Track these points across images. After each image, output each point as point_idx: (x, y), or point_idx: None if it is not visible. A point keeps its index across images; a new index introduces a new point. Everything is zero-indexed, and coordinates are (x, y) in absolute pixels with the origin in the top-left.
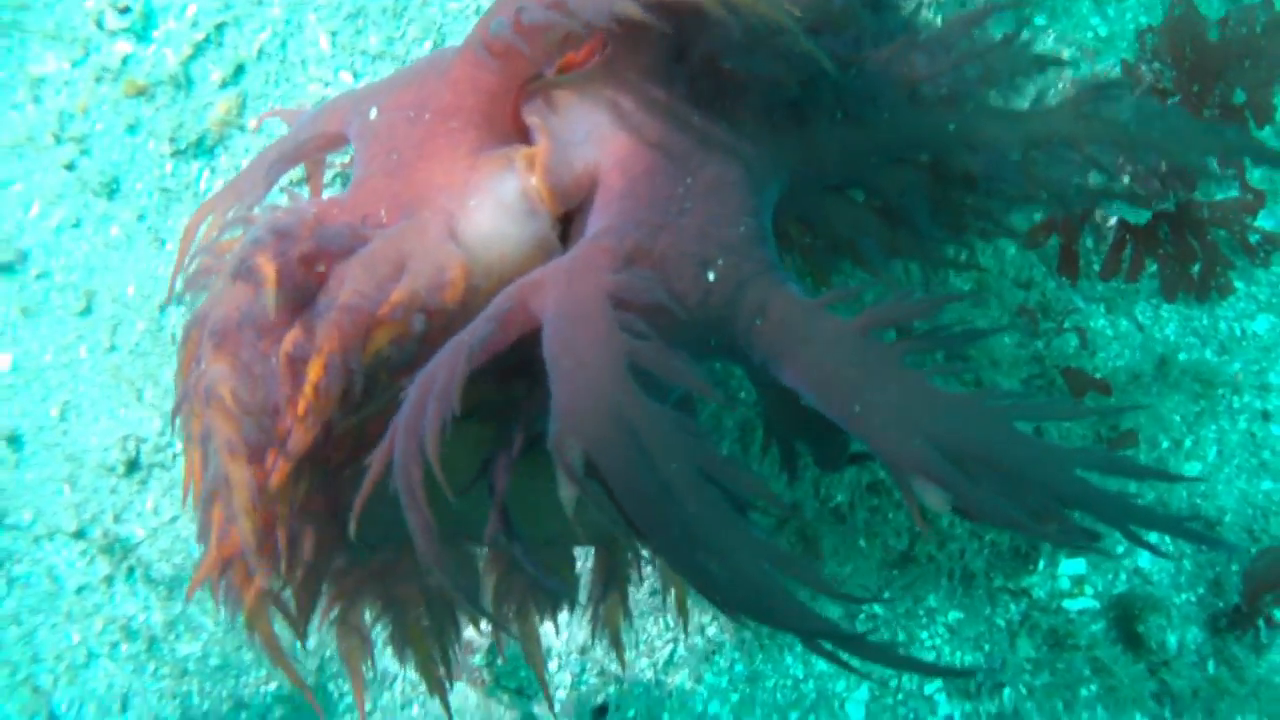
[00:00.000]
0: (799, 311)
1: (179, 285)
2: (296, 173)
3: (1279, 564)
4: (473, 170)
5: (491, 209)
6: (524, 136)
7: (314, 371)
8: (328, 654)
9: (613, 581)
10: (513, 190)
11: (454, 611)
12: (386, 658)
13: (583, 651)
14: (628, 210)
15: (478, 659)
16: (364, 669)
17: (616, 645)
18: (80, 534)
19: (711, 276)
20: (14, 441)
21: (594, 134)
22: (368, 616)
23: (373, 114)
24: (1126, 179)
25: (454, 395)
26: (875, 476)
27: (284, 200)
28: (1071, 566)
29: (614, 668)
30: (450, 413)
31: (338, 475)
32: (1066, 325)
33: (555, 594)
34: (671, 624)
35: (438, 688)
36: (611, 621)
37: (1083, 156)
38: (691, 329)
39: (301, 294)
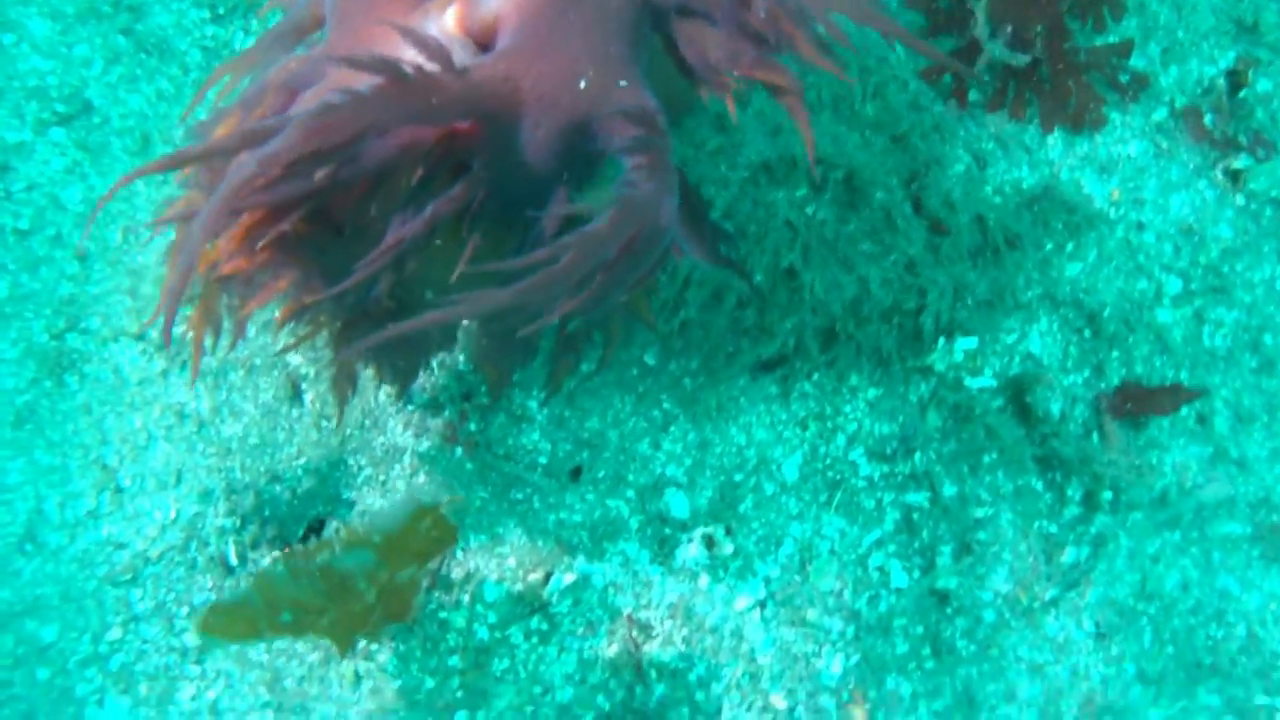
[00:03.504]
0: (651, 107)
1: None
2: None
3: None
4: (406, 23)
5: (418, 50)
6: None
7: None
8: (349, 432)
9: (568, 347)
10: (436, 34)
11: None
12: (398, 434)
13: (560, 424)
14: (517, 38)
15: (472, 425)
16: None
17: (554, 388)
18: (141, 336)
19: (583, 84)
20: (84, 260)
21: None
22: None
23: None
24: (1009, 28)
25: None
26: (790, 265)
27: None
28: (964, 343)
29: (585, 436)
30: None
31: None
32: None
33: (520, 347)
34: (635, 401)
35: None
36: (559, 375)
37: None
38: (567, 128)
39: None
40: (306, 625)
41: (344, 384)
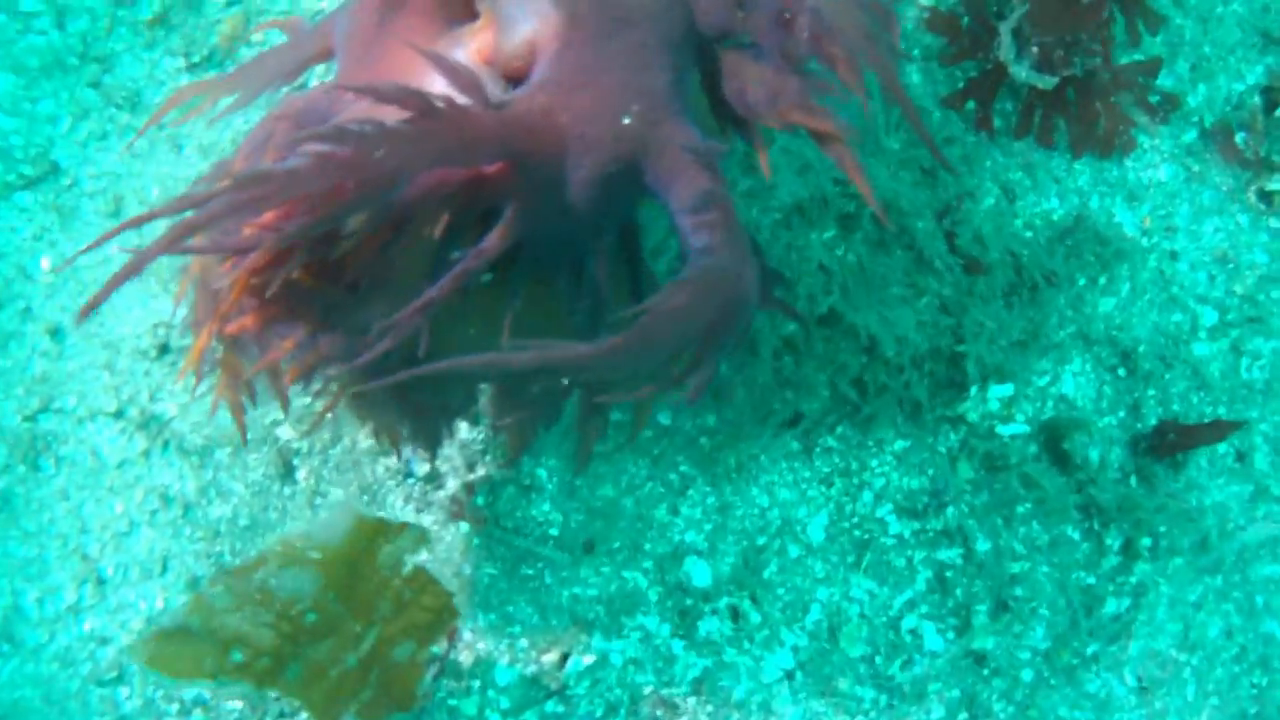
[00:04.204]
0: (695, 142)
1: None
2: None
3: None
4: (434, 50)
5: (444, 84)
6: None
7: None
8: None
9: (593, 411)
10: (465, 62)
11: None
12: (398, 509)
13: (571, 493)
14: (556, 69)
15: (479, 499)
16: None
17: (584, 457)
18: (119, 414)
19: (627, 120)
20: (56, 334)
21: (532, 11)
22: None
23: (350, 19)
24: (1035, 49)
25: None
26: (828, 310)
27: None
28: (999, 390)
29: (598, 505)
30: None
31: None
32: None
33: (544, 410)
34: (650, 465)
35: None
36: (587, 444)
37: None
38: (609, 169)
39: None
40: (264, 674)
41: (394, 434)
